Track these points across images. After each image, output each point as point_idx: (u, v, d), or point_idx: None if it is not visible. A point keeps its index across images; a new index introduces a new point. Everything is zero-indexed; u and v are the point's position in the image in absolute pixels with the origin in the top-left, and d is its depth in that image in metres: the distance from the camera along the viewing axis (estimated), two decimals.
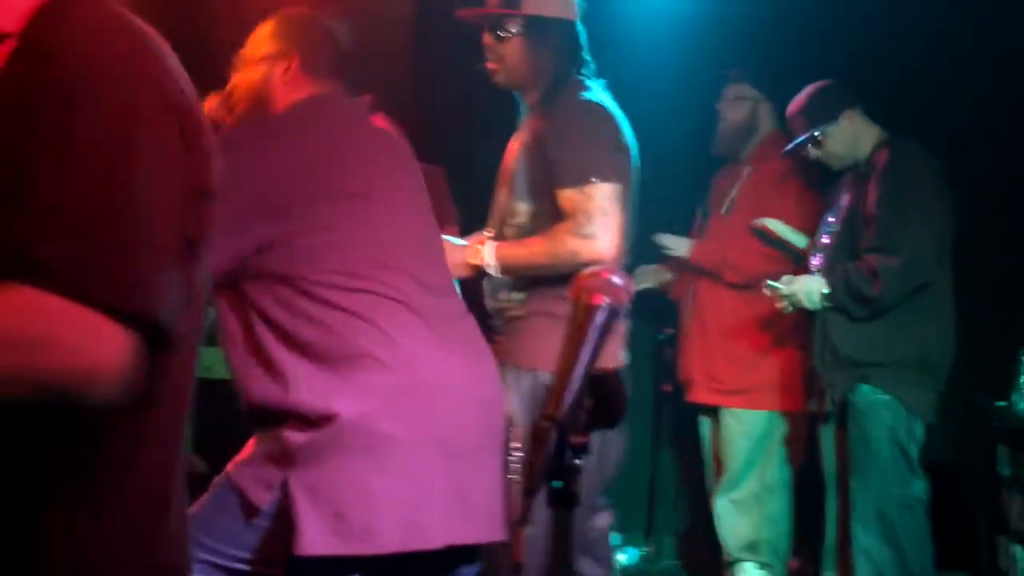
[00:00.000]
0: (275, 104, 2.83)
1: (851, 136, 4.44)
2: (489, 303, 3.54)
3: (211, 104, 3.04)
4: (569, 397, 1.57)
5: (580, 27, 3.54)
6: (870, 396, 4.27)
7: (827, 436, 4.42)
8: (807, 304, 4.33)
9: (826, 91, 4.48)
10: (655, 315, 5.15)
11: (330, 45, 2.90)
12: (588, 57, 3.54)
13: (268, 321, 2.60)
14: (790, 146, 4.54)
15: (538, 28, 3.49)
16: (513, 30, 3.50)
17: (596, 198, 3.32)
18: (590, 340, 1.60)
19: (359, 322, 2.59)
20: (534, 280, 3.44)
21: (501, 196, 3.58)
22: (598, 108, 3.44)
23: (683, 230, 5.03)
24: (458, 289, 2.98)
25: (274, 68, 2.85)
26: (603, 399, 1.64)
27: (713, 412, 4.86)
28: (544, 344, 3.31)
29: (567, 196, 3.35)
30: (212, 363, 3.60)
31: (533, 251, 3.38)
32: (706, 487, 4.95)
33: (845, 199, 4.44)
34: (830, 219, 4.49)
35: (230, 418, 2.76)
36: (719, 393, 4.79)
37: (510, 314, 3.48)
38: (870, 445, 4.25)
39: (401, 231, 2.75)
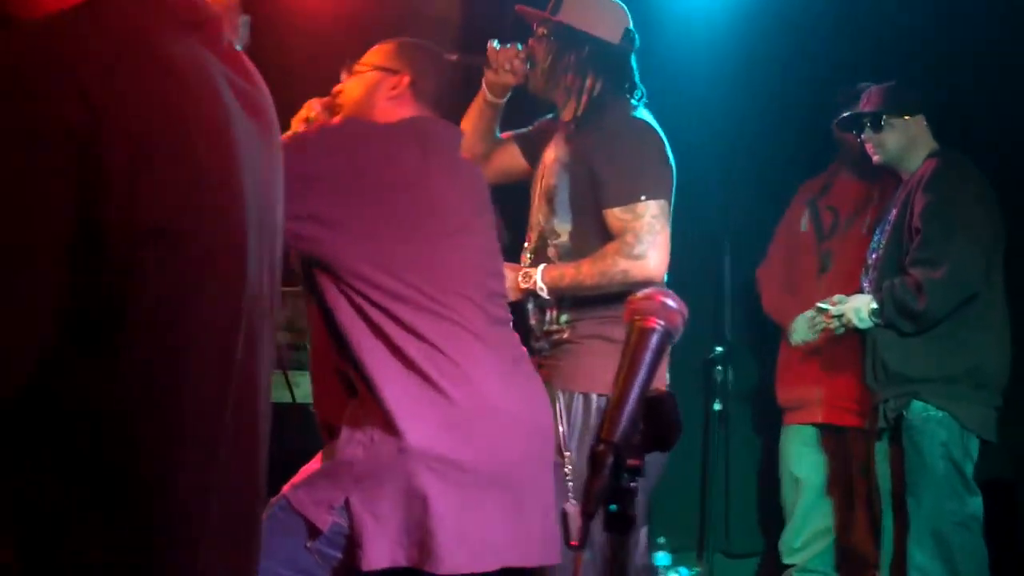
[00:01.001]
0: (376, 115, 2.89)
1: (910, 138, 4.40)
2: (536, 326, 3.54)
3: (313, 108, 3.09)
4: (624, 420, 1.57)
5: (625, 52, 3.55)
6: (923, 412, 4.23)
7: (881, 453, 4.38)
8: (857, 322, 4.30)
9: (908, 88, 4.46)
10: (703, 333, 5.14)
11: (441, 77, 2.99)
12: (638, 83, 3.56)
13: (345, 337, 2.64)
14: (849, 114, 4.51)
15: (569, 37, 3.51)
16: (544, 31, 3.55)
17: (645, 217, 3.33)
18: (645, 363, 1.60)
19: (430, 347, 2.62)
20: (581, 302, 3.44)
21: (539, 214, 3.59)
22: (644, 126, 3.45)
23: (726, 248, 5.03)
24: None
25: (384, 81, 2.92)
26: (657, 422, 1.63)
27: (836, 433, 4.82)
28: (595, 367, 3.33)
29: (616, 215, 3.36)
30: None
31: (583, 272, 3.39)
32: (786, 508, 4.89)
33: (892, 214, 4.41)
34: (879, 236, 4.46)
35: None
36: (854, 415, 4.73)
37: (558, 337, 3.48)
38: (924, 462, 4.21)
39: (474, 261, 2.79)
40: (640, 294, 1.65)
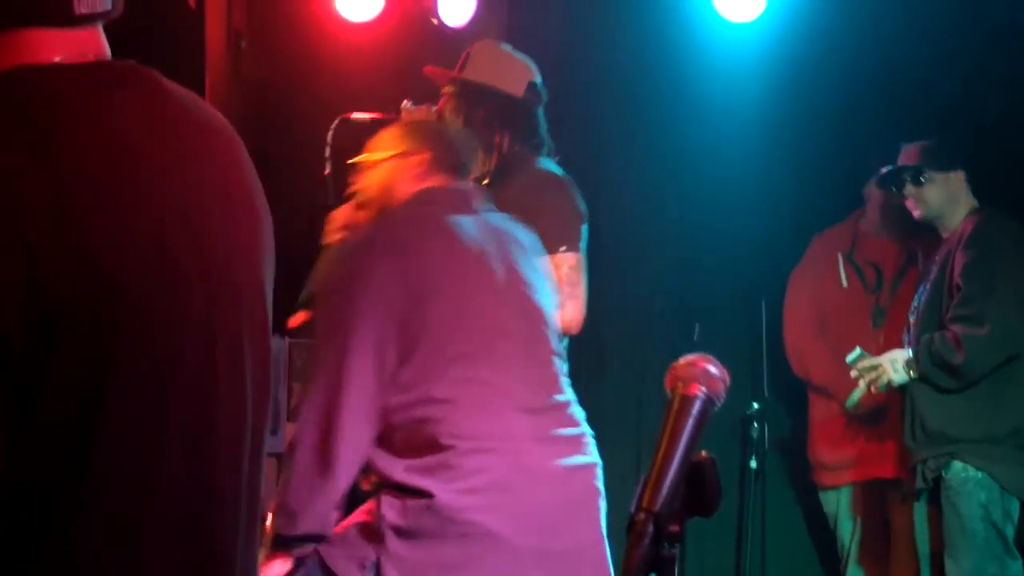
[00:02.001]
0: (402, 194, 2.88)
1: (951, 193, 4.39)
2: None
3: (345, 213, 3.11)
4: (666, 490, 1.55)
5: (530, 105, 3.59)
6: (962, 473, 4.18)
7: (920, 513, 4.34)
8: (893, 375, 4.27)
9: (948, 144, 4.45)
10: (740, 389, 5.10)
11: (456, 147, 3.00)
12: (545, 136, 3.60)
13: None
14: (890, 169, 4.50)
15: (474, 94, 3.54)
16: (451, 90, 3.57)
17: (563, 268, 3.34)
18: (686, 431, 1.58)
19: (468, 410, 2.60)
20: None
21: None
22: (554, 178, 3.49)
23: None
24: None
25: (405, 163, 2.90)
26: (699, 487, 1.61)
27: (874, 493, 4.77)
28: None
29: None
30: None
31: None
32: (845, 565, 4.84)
33: (933, 272, 4.39)
34: (920, 294, 4.44)
35: None
36: (893, 475, 4.69)
37: None
38: (963, 524, 4.16)
39: (511, 320, 2.78)
40: (682, 360, 1.63)
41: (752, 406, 5.15)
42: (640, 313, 5.29)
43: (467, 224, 2.81)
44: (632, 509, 1.54)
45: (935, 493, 4.26)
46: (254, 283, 1.55)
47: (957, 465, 4.19)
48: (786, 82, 5.12)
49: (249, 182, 1.58)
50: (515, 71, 3.58)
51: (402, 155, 2.92)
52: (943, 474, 4.21)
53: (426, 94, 3.69)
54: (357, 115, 3.78)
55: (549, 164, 3.54)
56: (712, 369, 1.63)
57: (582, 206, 3.49)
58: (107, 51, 1.50)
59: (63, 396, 1.31)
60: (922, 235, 4.72)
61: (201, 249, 1.45)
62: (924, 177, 4.39)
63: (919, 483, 4.29)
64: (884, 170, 4.54)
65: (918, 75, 5.03)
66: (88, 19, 1.45)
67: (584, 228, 3.47)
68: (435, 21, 5.17)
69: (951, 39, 4.89)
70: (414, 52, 3.77)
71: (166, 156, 1.44)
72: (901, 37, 5.03)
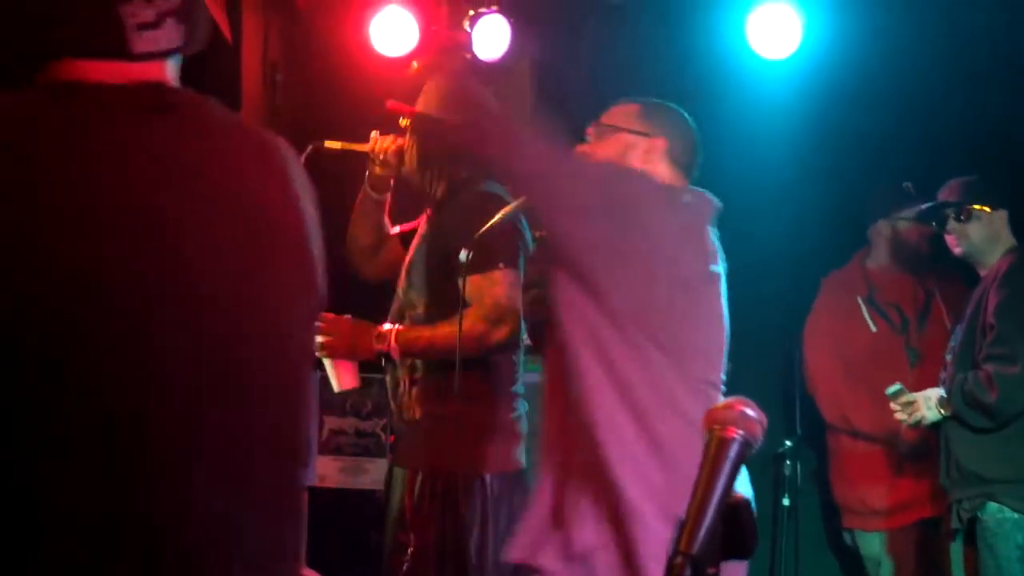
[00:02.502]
0: None
1: (993, 232, 4.38)
2: (389, 396, 3.61)
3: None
4: (703, 533, 1.55)
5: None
6: (998, 514, 4.14)
7: (956, 554, 4.29)
8: (926, 412, 4.25)
9: (994, 180, 4.44)
10: (773, 427, 5.07)
11: (691, 143, 3.02)
12: None
13: None
14: (932, 204, 4.48)
15: (425, 127, 3.62)
16: (405, 124, 3.69)
17: (502, 284, 3.37)
18: (724, 474, 1.58)
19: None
20: (434, 378, 3.48)
21: (400, 286, 3.66)
22: (496, 198, 3.51)
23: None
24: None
25: (636, 145, 2.92)
26: (735, 529, 1.61)
27: (909, 535, 4.73)
28: (443, 448, 3.43)
29: (473, 282, 3.38)
30: None
31: (438, 334, 3.42)
32: None
33: (969, 310, 4.37)
34: (957, 334, 4.41)
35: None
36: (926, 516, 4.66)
37: (409, 415, 3.52)
38: (999, 565, 4.12)
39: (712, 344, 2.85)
40: (720, 404, 1.64)
41: (785, 443, 5.12)
42: None
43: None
44: (670, 552, 1.54)
45: (971, 534, 4.22)
46: (269, 313, 1.47)
47: (993, 506, 4.15)
48: (819, 119, 5.12)
49: (290, 216, 1.52)
50: (466, 100, 3.62)
51: (634, 135, 2.94)
52: (979, 515, 4.17)
53: None
54: (329, 143, 3.83)
55: (493, 186, 3.58)
56: (749, 412, 1.63)
57: (523, 226, 3.53)
58: (168, 82, 1.48)
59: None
60: (934, 270, 4.71)
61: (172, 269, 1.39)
62: (967, 214, 4.37)
63: (954, 523, 4.25)
64: (925, 205, 4.52)
65: (952, 112, 5.02)
66: (148, 56, 1.44)
67: (525, 246, 3.52)
68: (468, 56, 5.21)
69: (986, 76, 4.88)
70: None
71: (162, 177, 1.39)
72: (934, 74, 5.02)
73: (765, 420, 1.64)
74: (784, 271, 5.14)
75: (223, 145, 1.48)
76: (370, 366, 5.61)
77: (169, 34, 1.45)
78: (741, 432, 1.61)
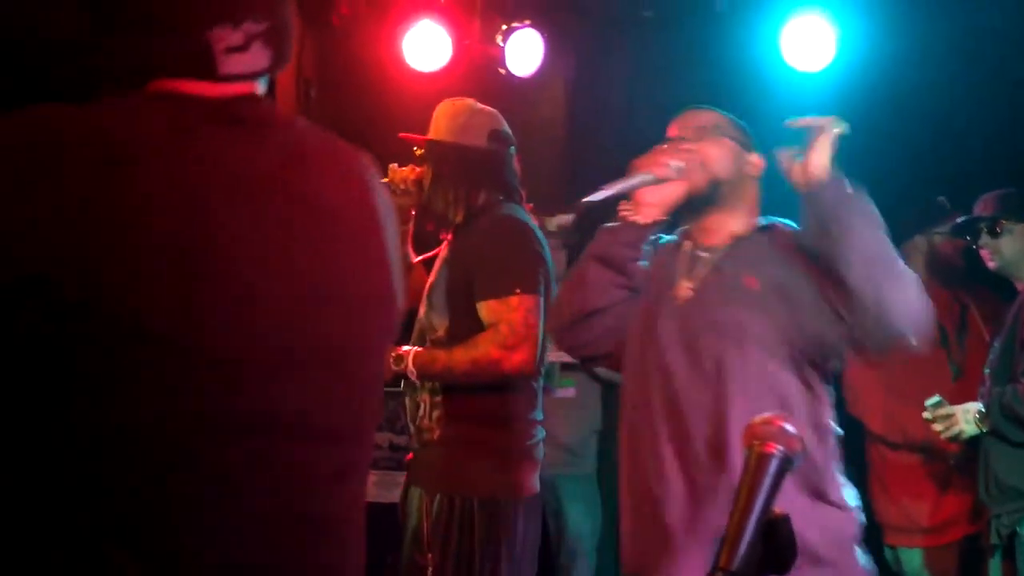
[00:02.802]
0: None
1: None
2: (408, 417, 3.57)
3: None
4: (743, 549, 1.54)
5: (495, 154, 3.59)
6: None
7: (994, 570, 4.25)
8: (964, 425, 4.21)
9: None
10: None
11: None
12: (514, 184, 3.61)
13: None
14: (966, 218, 4.45)
15: (441, 152, 3.58)
16: (420, 153, 3.64)
17: (519, 310, 3.34)
18: (763, 490, 1.57)
19: None
20: (453, 399, 3.45)
21: (421, 309, 3.62)
22: (516, 222, 3.49)
23: None
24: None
25: (741, 154, 2.90)
26: (774, 545, 1.60)
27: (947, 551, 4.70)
28: (462, 470, 3.39)
29: (490, 307, 3.36)
30: None
31: (455, 359, 3.39)
32: None
33: (1007, 324, 4.34)
34: (995, 346, 4.39)
35: None
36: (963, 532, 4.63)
37: (428, 436, 3.49)
38: None
39: None
40: (759, 419, 1.63)
41: None
42: None
43: None
44: (710, 568, 1.53)
45: (1009, 549, 4.18)
46: (347, 330, 1.48)
47: None
48: (853, 132, 5.08)
49: (371, 232, 1.53)
50: (475, 123, 3.61)
51: (737, 141, 2.95)
52: (1017, 530, 4.13)
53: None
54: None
55: (515, 210, 3.56)
56: (788, 427, 1.62)
57: (543, 251, 3.51)
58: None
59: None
60: (970, 285, 4.67)
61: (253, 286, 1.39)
62: (1000, 228, 4.34)
63: (993, 539, 4.21)
64: (960, 219, 4.49)
65: (988, 124, 4.99)
66: (235, 78, 1.46)
67: (544, 271, 3.48)
68: (502, 71, 5.22)
69: (1022, 90, 4.86)
70: (481, 101, 3.80)
71: (241, 188, 1.40)
72: (970, 86, 5.00)
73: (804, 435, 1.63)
74: None
75: (305, 159, 1.49)
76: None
77: (256, 57, 1.49)
78: (781, 447, 1.60)
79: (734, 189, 2.83)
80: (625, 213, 2.79)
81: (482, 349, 3.35)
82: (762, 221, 2.85)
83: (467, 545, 3.38)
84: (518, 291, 3.37)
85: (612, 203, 2.92)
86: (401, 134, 3.74)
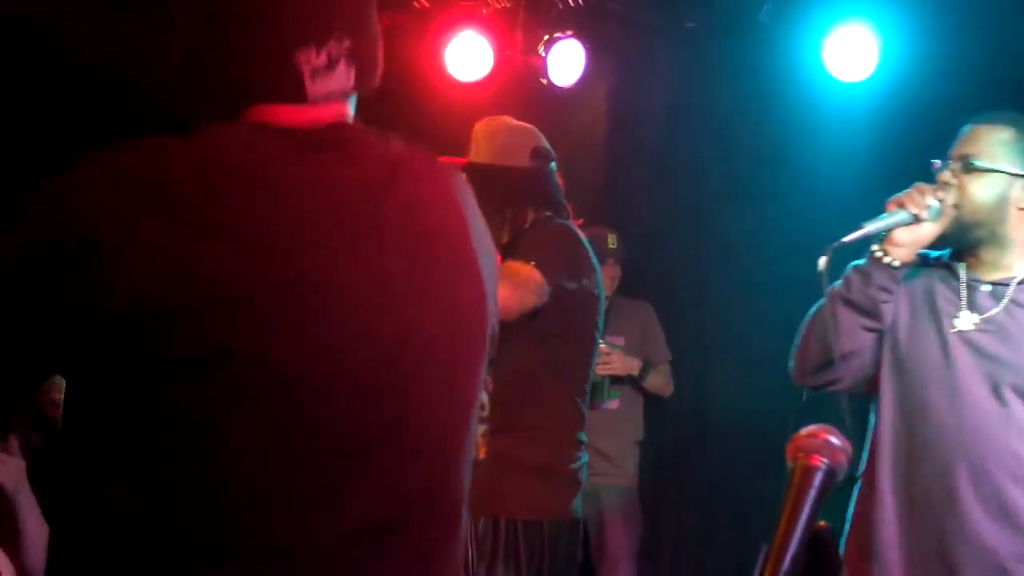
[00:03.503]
0: (1011, 234, 2.73)
1: None
2: None
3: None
4: (787, 561, 1.54)
5: (537, 172, 3.57)
6: None
7: None
8: None
9: None
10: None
11: None
12: (558, 197, 3.58)
13: None
14: None
15: (481, 175, 3.50)
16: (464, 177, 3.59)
17: (526, 271, 3.32)
18: (808, 503, 1.57)
19: None
20: (503, 415, 3.44)
21: None
22: (561, 226, 3.49)
23: None
24: None
25: (1014, 187, 2.71)
26: (818, 558, 1.60)
27: None
28: (507, 491, 3.37)
29: (508, 264, 3.35)
30: None
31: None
32: None
33: None
34: None
35: None
36: None
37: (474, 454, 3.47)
38: None
39: None
40: (804, 431, 1.63)
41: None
42: (750, 377, 5.23)
43: None
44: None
45: None
46: (442, 348, 1.49)
47: None
48: (897, 141, 5.07)
49: (464, 249, 1.55)
50: (515, 142, 3.60)
51: (1012, 176, 2.71)
52: None
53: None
54: None
55: (563, 221, 3.55)
56: (833, 440, 1.62)
57: (584, 258, 3.48)
58: (345, 119, 1.53)
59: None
60: None
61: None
62: None
63: None
64: None
65: None
66: (325, 98, 1.49)
67: (574, 269, 3.44)
68: (544, 81, 5.23)
69: None
70: (523, 111, 3.80)
71: (334, 210, 1.42)
72: (1013, 96, 4.95)
73: (849, 448, 1.63)
74: None
75: (402, 180, 1.51)
76: None
77: (342, 76, 1.52)
78: (825, 460, 1.60)
79: (1002, 225, 2.72)
80: (878, 254, 2.71)
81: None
82: None
83: (512, 567, 3.37)
84: (533, 264, 3.35)
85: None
86: (441, 158, 3.72)
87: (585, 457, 3.54)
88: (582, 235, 3.56)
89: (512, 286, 3.31)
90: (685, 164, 5.53)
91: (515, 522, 3.39)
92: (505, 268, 3.37)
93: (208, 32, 1.48)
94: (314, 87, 1.48)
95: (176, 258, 1.30)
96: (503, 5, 5.29)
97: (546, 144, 3.63)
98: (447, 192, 1.57)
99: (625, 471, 5.20)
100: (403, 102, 5.53)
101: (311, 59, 1.48)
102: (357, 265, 1.41)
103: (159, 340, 1.30)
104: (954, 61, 4.95)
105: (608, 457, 5.07)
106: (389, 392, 1.42)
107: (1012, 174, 2.69)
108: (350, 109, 1.55)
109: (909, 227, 2.67)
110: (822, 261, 2.57)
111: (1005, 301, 2.68)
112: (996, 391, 2.61)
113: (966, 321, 2.68)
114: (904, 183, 5.10)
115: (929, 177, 2.86)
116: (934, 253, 2.83)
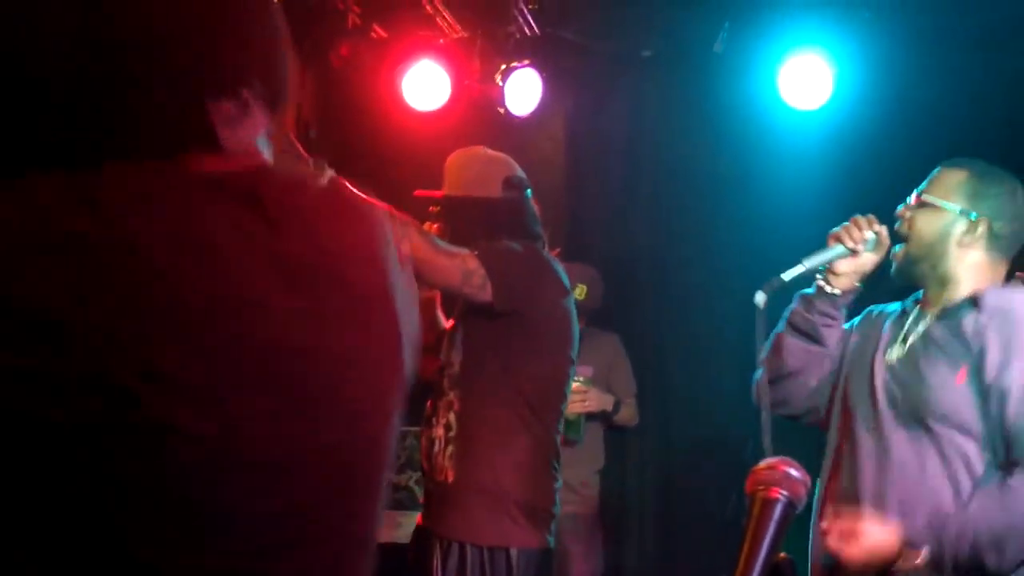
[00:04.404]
0: (950, 269, 2.73)
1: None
2: (424, 451, 3.54)
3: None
4: None
5: (511, 201, 3.56)
6: None
7: None
8: None
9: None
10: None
11: (1020, 218, 2.77)
12: (532, 226, 3.58)
13: None
14: None
15: (455, 207, 3.56)
16: (436, 210, 3.62)
17: (458, 250, 3.32)
18: (768, 535, 1.58)
19: None
20: (470, 438, 3.42)
21: (443, 345, 3.62)
22: (531, 247, 3.48)
23: None
24: None
25: (956, 225, 2.72)
26: None
27: None
28: (475, 518, 3.36)
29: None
30: None
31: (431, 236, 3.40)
32: None
33: None
34: None
35: None
36: None
37: (441, 478, 3.45)
38: None
39: None
40: (763, 464, 1.63)
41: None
42: (713, 405, 5.24)
43: None
44: None
45: None
46: (352, 395, 1.44)
47: None
48: (851, 169, 5.12)
49: (378, 294, 1.49)
50: (488, 173, 3.60)
51: (954, 214, 2.72)
52: None
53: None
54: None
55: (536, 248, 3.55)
56: (793, 472, 1.62)
57: (545, 275, 3.47)
58: (263, 166, 1.49)
59: None
60: None
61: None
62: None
63: None
64: None
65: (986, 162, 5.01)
66: (240, 144, 1.45)
67: (539, 290, 3.43)
68: (501, 110, 5.24)
69: (1022, 126, 4.88)
70: (481, 140, 3.79)
71: (249, 265, 1.38)
72: (967, 124, 5.02)
73: (809, 480, 1.63)
74: None
75: (316, 228, 1.46)
76: (405, 420, 5.62)
77: (256, 120, 1.48)
78: (785, 493, 1.60)
79: (943, 260, 2.73)
80: (820, 283, 2.84)
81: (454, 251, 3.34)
82: (984, 290, 2.68)
83: None
84: (476, 253, 3.34)
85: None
86: (416, 192, 3.70)
87: (558, 484, 3.53)
88: (555, 262, 3.54)
89: (447, 255, 3.30)
90: (643, 192, 5.55)
91: (481, 548, 3.37)
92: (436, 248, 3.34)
93: (115, 86, 1.45)
94: (228, 136, 1.46)
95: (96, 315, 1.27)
96: (460, 35, 5.31)
97: (519, 173, 3.62)
98: (367, 239, 1.53)
99: (586, 499, 5.19)
100: (361, 131, 5.54)
101: (223, 108, 1.46)
102: (277, 320, 1.37)
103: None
104: (907, 90, 5.01)
105: (570, 486, 5.06)
106: (289, 441, 1.37)
107: (954, 211, 2.73)
108: (266, 152, 1.52)
109: (848, 258, 2.79)
110: (760, 297, 2.65)
111: (921, 331, 2.72)
112: (905, 419, 2.63)
113: (894, 353, 2.74)
114: (858, 208, 5.16)
115: (880, 206, 2.94)
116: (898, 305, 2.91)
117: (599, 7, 5.26)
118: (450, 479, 3.42)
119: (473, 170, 3.61)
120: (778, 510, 1.59)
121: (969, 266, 2.70)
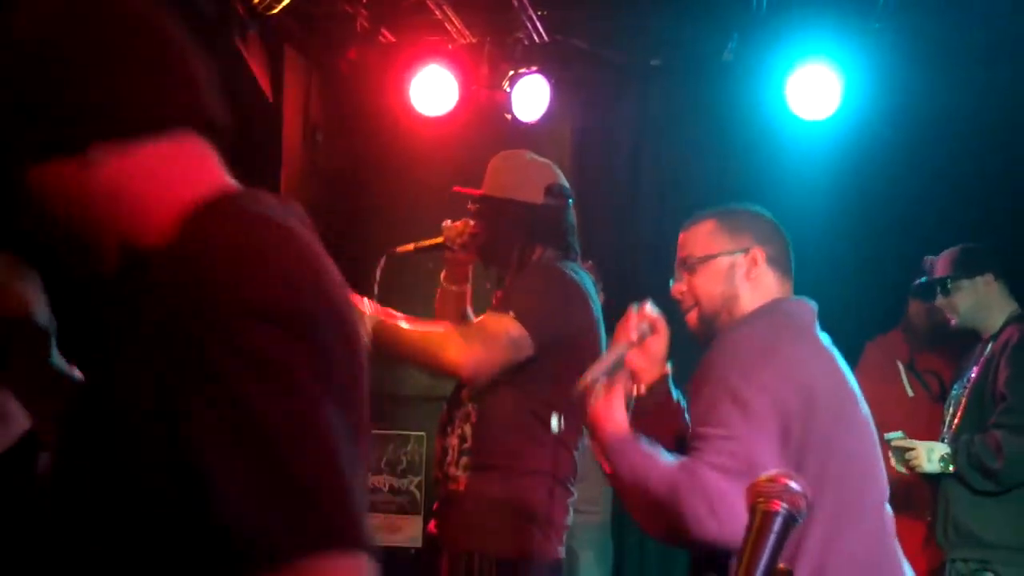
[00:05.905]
0: (743, 307, 2.68)
1: (981, 300, 4.37)
2: (438, 459, 3.49)
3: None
4: None
5: (551, 209, 3.50)
6: None
7: None
8: (925, 464, 4.22)
9: (973, 250, 4.44)
10: None
11: (782, 239, 2.77)
12: (571, 241, 3.52)
13: None
14: (919, 283, 4.51)
15: (495, 208, 3.50)
16: (474, 208, 3.56)
17: (500, 326, 3.26)
18: (768, 548, 1.57)
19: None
20: (484, 446, 3.36)
21: None
22: (556, 269, 3.42)
23: None
24: None
25: (735, 267, 2.70)
26: None
27: None
28: (485, 527, 3.30)
29: (486, 314, 3.34)
30: None
31: (415, 330, 3.29)
32: None
33: (973, 371, 4.35)
34: (956, 392, 4.41)
35: None
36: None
37: (453, 487, 3.39)
38: None
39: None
40: (764, 476, 1.62)
41: None
42: None
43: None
44: None
45: None
46: None
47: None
48: (857, 179, 5.12)
49: None
50: (532, 178, 3.53)
51: (728, 255, 2.70)
52: None
53: None
54: (401, 248, 3.70)
55: (570, 266, 3.46)
56: (793, 485, 1.61)
57: (583, 301, 3.40)
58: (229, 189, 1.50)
59: None
60: (969, 341, 4.69)
61: None
62: (951, 286, 4.38)
63: None
64: (917, 282, 4.55)
65: (991, 174, 5.01)
66: (194, 173, 1.49)
67: (565, 320, 3.35)
68: (508, 116, 5.25)
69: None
70: (487, 146, 3.79)
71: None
72: (975, 135, 5.02)
73: (809, 492, 1.62)
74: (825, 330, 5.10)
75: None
76: (408, 424, 5.61)
77: (204, 147, 1.48)
78: (785, 505, 1.59)
79: (737, 302, 2.69)
80: (628, 388, 2.73)
81: (444, 333, 3.27)
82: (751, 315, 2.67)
83: None
84: (512, 313, 3.29)
85: None
86: (455, 188, 3.67)
87: (572, 497, 3.47)
88: (582, 278, 3.46)
89: (483, 344, 3.24)
90: (649, 200, 5.55)
91: (491, 560, 3.32)
92: (478, 324, 3.32)
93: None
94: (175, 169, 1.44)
95: None
96: (469, 40, 5.31)
97: (563, 181, 3.56)
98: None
99: (597, 508, 5.19)
100: (369, 136, 5.54)
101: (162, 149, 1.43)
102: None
103: None
104: (915, 101, 5.01)
105: (582, 497, 5.05)
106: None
107: (726, 253, 2.69)
108: (226, 176, 1.49)
109: (639, 350, 2.72)
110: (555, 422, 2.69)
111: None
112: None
113: None
114: (866, 218, 5.14)
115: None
116: None
117: (608, 15, 5.26)
118: (462, 488, 3.39)
119: (517, 173, 3.55)
120: (778, 522, 1.58)
121: (765, 293, 2.67)
